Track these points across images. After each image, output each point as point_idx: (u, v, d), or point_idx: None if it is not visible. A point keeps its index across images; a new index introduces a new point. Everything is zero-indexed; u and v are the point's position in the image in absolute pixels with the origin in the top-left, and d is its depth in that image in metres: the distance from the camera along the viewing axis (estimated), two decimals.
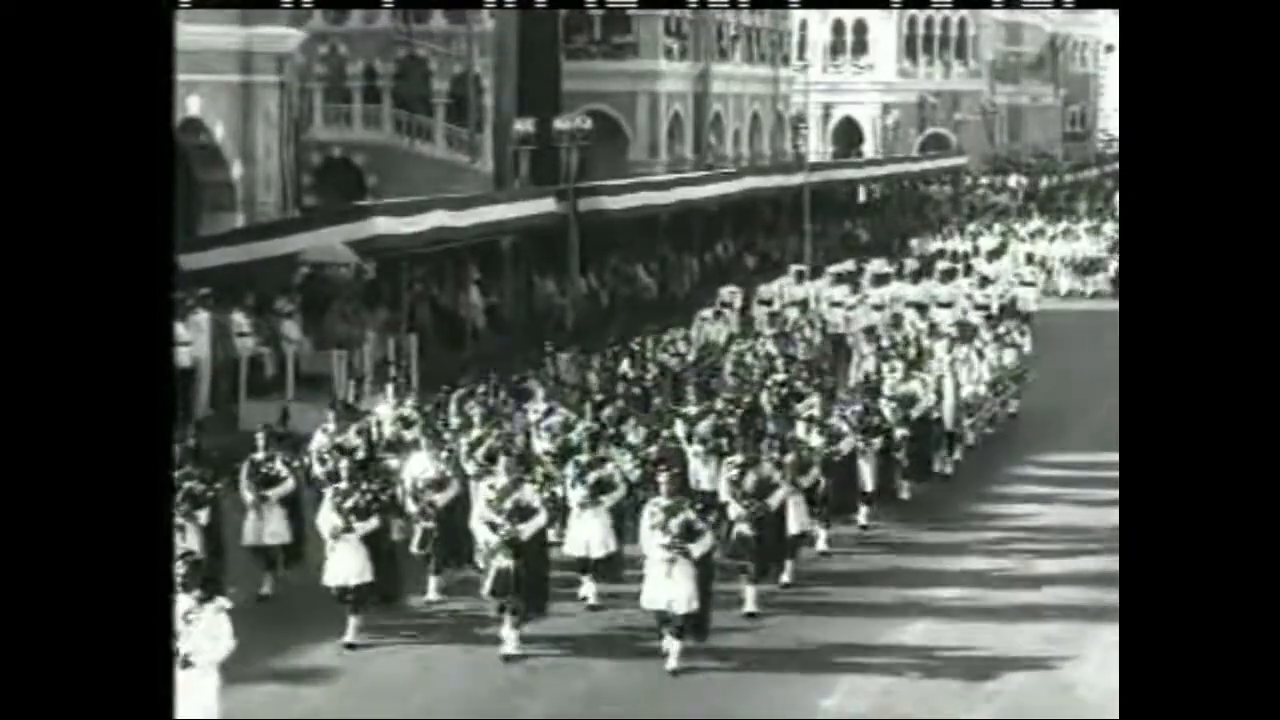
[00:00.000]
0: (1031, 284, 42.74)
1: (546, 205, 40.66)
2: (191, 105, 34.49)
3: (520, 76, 48.17)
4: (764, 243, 53.27)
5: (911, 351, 27.72)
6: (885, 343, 29.51)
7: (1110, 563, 18.58)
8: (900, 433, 23.29)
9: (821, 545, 20.75)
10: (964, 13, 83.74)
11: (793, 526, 19.24)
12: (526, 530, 16.73)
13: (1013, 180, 77.75)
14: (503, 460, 17.73)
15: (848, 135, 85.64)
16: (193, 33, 29.43)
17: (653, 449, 20.83)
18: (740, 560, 18.25)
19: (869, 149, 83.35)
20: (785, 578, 19.15)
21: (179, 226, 29.33)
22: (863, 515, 22.15)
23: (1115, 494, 21.55)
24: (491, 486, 17.26)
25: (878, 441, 22.49)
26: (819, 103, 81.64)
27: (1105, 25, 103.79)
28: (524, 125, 46.40)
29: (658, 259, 46.46)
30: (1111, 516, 21.59)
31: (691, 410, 22.71)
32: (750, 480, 18.44)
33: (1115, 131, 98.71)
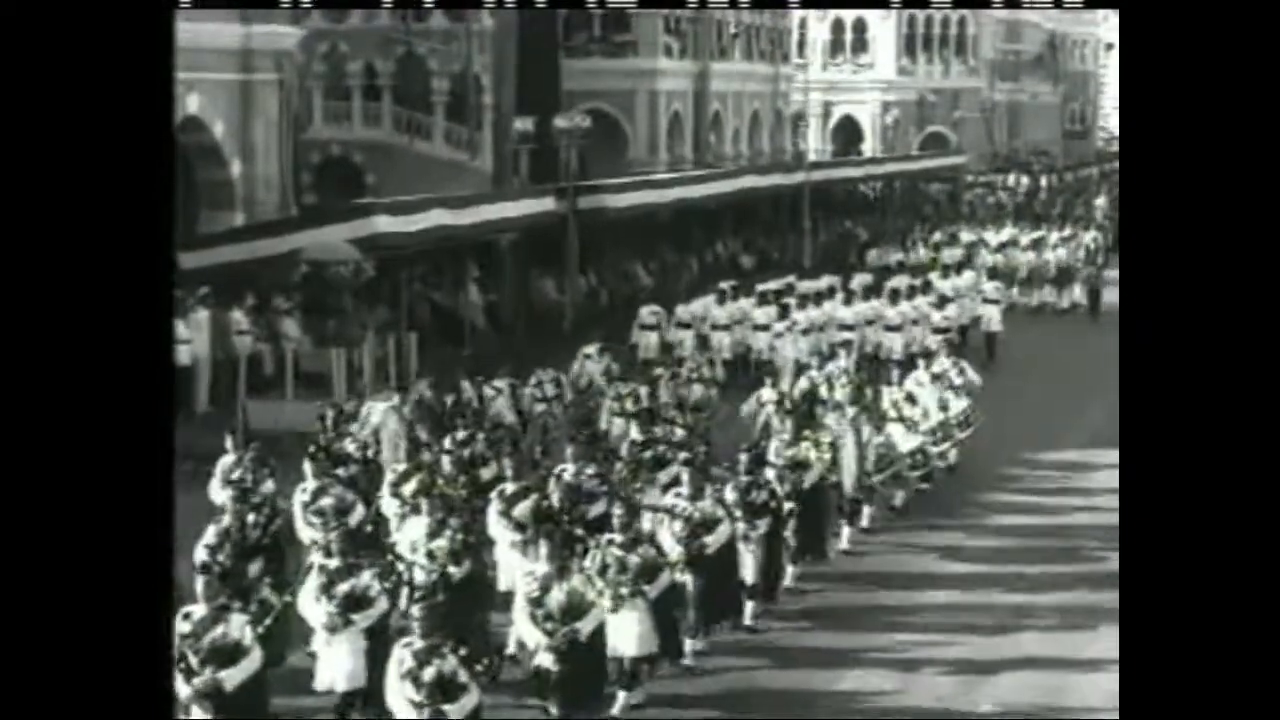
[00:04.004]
0: (995, 301, 38.02)
1: (546, 204, 40.69)
2: (191, 103, 34.51)
3: (520, 75, 48.19)
4: (763, 242, 53.29)
5: (803, 404, 22.43)
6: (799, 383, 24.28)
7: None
8: (790, 505, 18.71)
9: (693, 654, 16.51)
10: (963, 11, 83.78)
11: (630, 648, 15.10)
12: (230, 679, 12.65)
13: (1010, 179, 77.27)
14: (200, 581, 13.13)
15: (847, 134, 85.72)
16: (192, 31, 29.42)
17: (439, 543, 15.70)
18: (540, 700, 14.26)
19: (868, 147, 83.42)
20: (615, 710, 15.09)
21: (179, 225, 29.32)
22: (748, 614, 17.70)
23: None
24: (187, 616, 12.75)
25: (764, 523, 17.74)
26: (818, 101, 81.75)
27: (1105, 23, 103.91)
28: (523, 124, 46.55)
29: (657, 258, 46.49)
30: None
31: (508, 487, 17.32)
32: (555, 599, 14.14)
33: (1115, 129, 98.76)
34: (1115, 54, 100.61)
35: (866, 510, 21.82)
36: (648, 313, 33.97)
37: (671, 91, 60.72)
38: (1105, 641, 16.52)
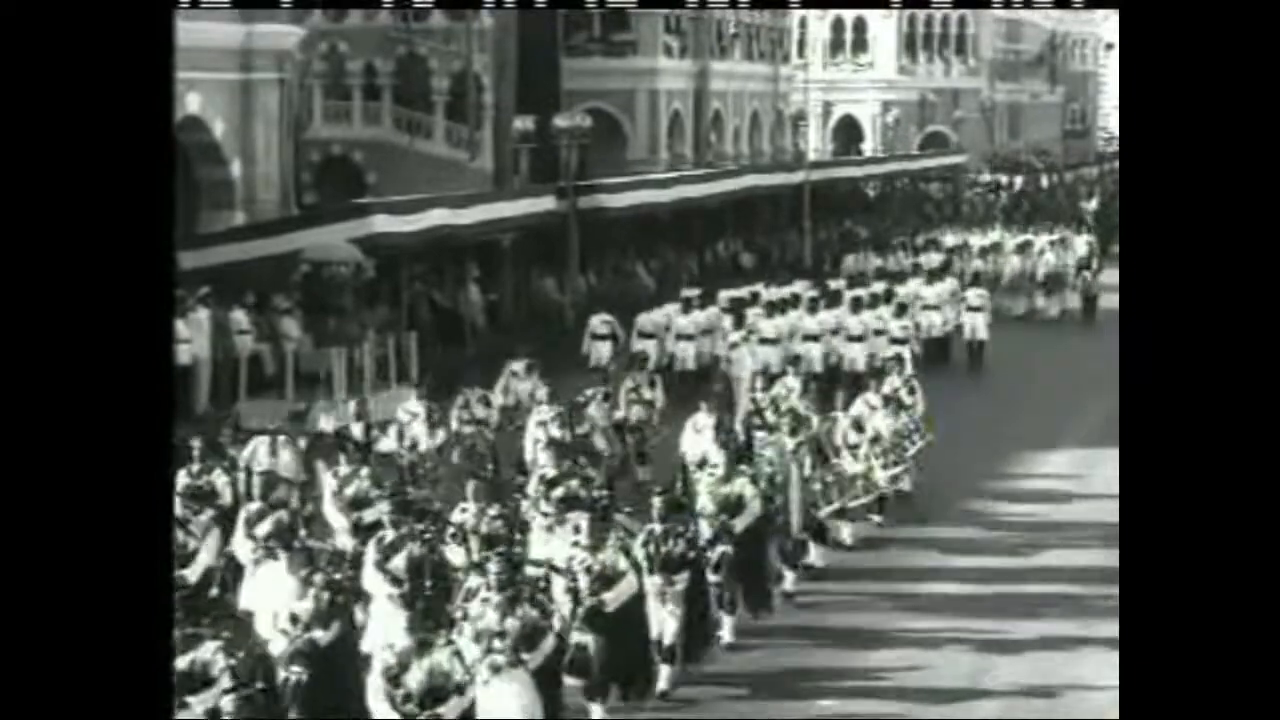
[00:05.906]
0: (980, 309, 36.10)
1: (546, 203, 40.75)
2: (191, 103, 34.51)
3: (520, 74, 48.21)
4: (764, 241, 53.30)
5: (739, 433, 20.27)
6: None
7: None
8: (721, 550, 16.49)
9: None
10: (964, 11, 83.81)
11: None
12: None
13: (995, 178, 76.76)
14: None
15: (847, 133, 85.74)
16: (192, 30, 29.41)
17: (303, 605, 13.28)
18: None
19: (869, 147, 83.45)
20: None
21: (179, 224, 29.35)
22: (663, 678, 15.33)
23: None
24: None
25: (682, 578, 15.44)
26: (819, 100, 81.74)
27: (1105, 23, 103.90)
28: (524, 123, 46.57)
29: (658, 257, 46.50)
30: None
31: (388, 534, 14.93)
32: (415, 677, 12.01)
33: (1115, 129, 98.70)
34: (1115, 54, 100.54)
35: (814, 550, 19.64)
36: (599, 322, 31.12)
37: (671, 91, 60.74)
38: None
